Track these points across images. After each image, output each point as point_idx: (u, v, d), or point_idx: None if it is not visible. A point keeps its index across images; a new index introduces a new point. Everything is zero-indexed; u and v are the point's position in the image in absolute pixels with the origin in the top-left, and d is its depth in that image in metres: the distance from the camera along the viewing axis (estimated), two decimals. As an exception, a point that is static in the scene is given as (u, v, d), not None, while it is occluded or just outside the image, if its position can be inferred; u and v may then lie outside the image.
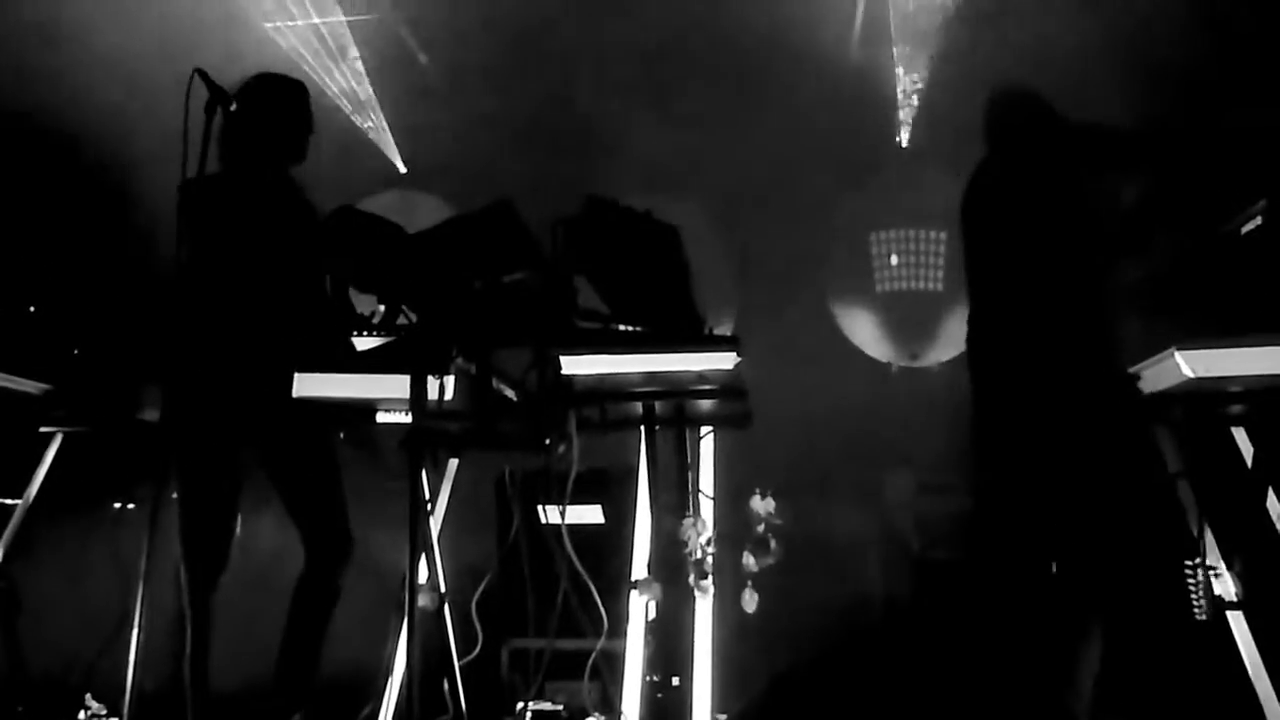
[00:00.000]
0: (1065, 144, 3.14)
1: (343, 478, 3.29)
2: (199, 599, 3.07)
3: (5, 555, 3.87)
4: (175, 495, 3.11)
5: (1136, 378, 2.81)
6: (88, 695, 3.86)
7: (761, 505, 3.03)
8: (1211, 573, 2.99)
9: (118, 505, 5.04)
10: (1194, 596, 2.96)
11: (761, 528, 2.99)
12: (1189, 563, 2.97)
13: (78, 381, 3.77)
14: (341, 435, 3.41)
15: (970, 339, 3.22)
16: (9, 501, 4.01)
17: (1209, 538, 3.05)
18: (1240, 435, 3.22)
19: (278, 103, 3.35)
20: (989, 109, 3.39)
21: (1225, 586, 3.03)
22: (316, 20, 6.30)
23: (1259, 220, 2.81)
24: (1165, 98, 5.05)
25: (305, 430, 3.24)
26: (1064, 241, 3.02)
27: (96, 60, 5.34)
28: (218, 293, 3.18)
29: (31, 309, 3.66)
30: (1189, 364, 2.58)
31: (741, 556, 3.01)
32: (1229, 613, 3.01)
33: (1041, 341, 2.97)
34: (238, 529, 3.29)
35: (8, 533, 3.90)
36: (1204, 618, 2.94)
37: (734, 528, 3.12)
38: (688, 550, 2.84)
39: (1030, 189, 3.10)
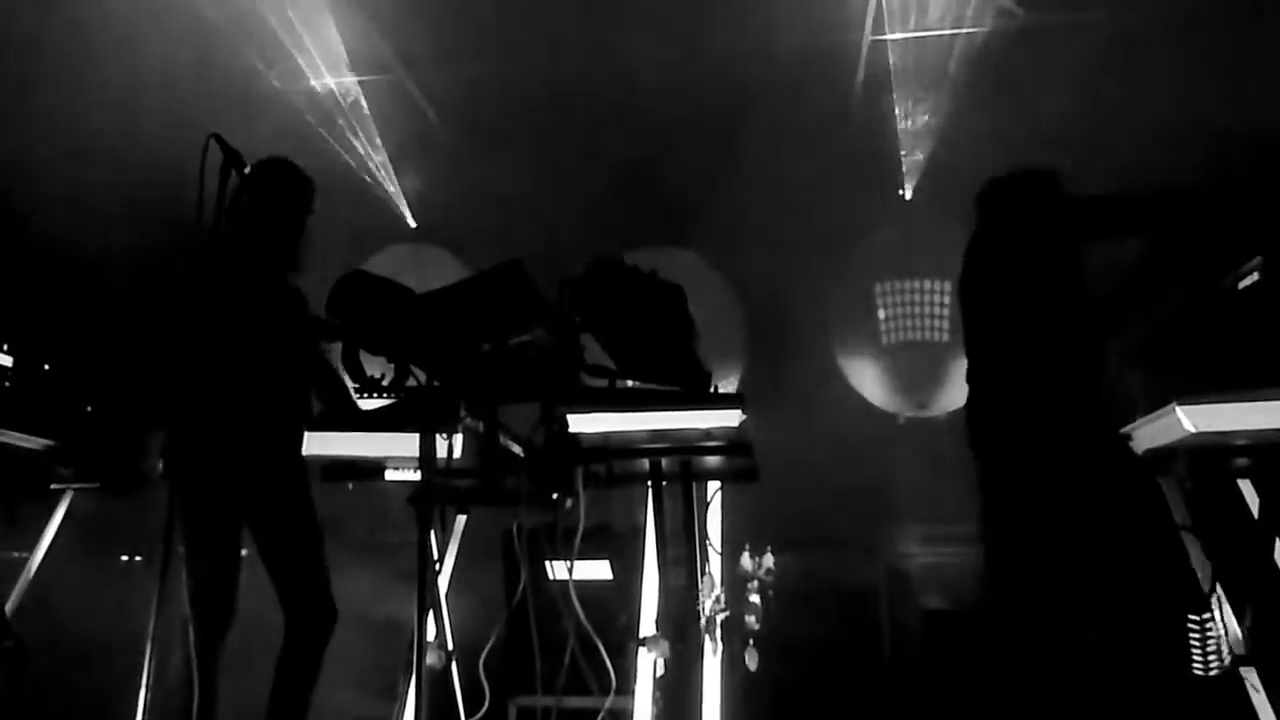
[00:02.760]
0: (1059, 215, 3.20)
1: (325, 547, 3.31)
2: (206, 654, 3.07)
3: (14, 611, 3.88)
4: (182, 550, 3.13)
5: (1128, 438, 2.83)
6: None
7: (751, 563, 3.03)
8: (1218, 626, 2.98)
9: (125, 558, 5.05)
10: (1196, 651, 2.93)
11: (754, 585, 2.99)
12: (1193, 617, 2.95)
13: (89, 439, 3.80)
14: (350, 485, 3.41)
15: (969, 407, 3.28)
16: (18, 555, 4.03)
17: (1218, 591, 3.04)
18: (1246, 488, 3.22)
19: (279, 190, 3.44)
20: (983, 188, 3.44)
21: (1234, 640, 3.01)
22: (329, 80, 6.44)
23: (1255, 276, 2.84)
24: (1167, 149, 5.11)
25: (295, 497, 3.28)
26: (1057, 310, 3.08)
27: (106, 119, 5.43)
28: (218, 357, 3.23)
29: (46, 367, 3.69)
30: (1190, 419, 2.59)
31: (744, 613, 3.01)
32: (1239, 667, 2.99)
33: (1036, 406, 3.03)
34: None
35: (16, 589, 3.91)
36: (1209, 673, 2.92)
37: (734, 585, 3.12)
38: (699, 606, 2.84)
39: (1023, 259, 3.17)
